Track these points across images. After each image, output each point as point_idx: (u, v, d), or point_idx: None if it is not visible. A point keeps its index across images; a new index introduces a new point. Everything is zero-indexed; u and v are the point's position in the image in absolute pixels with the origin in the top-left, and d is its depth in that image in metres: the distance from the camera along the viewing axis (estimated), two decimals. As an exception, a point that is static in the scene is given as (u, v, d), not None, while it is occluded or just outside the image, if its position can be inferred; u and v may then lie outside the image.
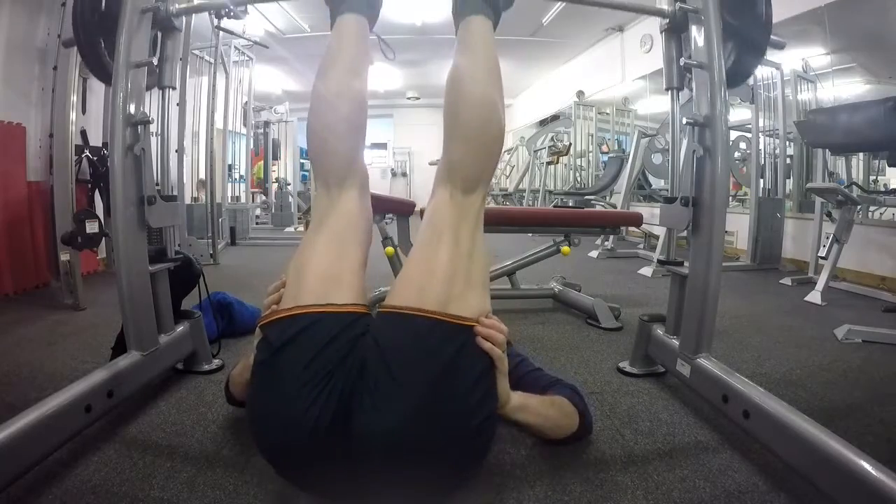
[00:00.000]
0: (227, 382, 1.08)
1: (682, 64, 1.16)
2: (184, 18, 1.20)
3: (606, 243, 4.01)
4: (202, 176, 4.57)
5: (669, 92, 1.29)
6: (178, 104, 2.97)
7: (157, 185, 1.20)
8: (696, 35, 1.12)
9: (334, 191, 0.92)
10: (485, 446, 0.82)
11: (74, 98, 2.11)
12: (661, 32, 1.24)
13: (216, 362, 1.38)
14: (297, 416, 0.72)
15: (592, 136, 6.40)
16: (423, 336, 0.76)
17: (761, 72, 3.52)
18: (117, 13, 1.06)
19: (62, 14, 2.17)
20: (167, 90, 1.24)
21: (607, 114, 6.36)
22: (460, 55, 0.96)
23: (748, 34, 1.16)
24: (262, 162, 6.75)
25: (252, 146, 5.76)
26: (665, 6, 1.20)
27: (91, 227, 1.90)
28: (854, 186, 2.66)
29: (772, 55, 3.57)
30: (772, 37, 1.16)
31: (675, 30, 1.21)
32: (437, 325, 0.76)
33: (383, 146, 10.99)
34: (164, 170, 1.26)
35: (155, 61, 1.16)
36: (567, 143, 6.11)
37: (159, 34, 1.19)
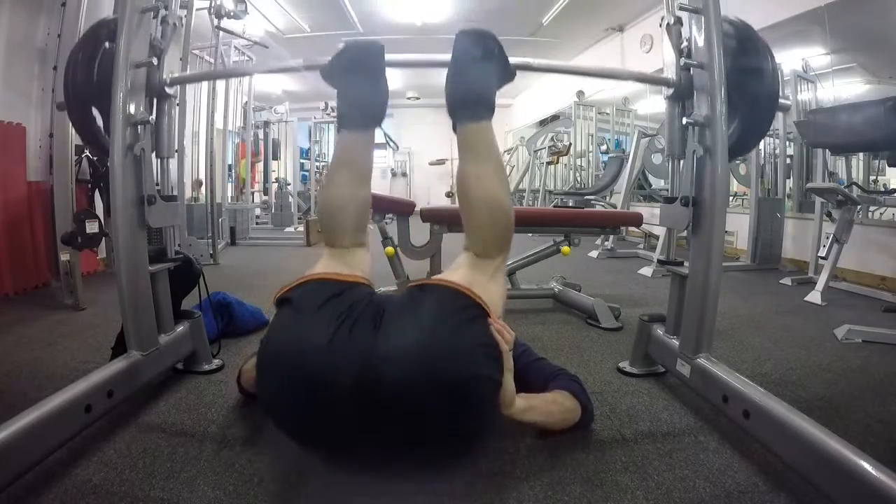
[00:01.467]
0: (238, 375, 1.16)
1: (682, 64, 1.15)
2: (178, 87, 1.19)
3: (606, 243, 4.01)
4: (198, 176, 4.57)
5: (670, 160, 1.26)
6: (178, 104, 2.97)
7: (157, 185, 1.20)
8: (698, 34, 1.12)
9: (338, 251, 1.05)
10: (484, 420, 0.85)
11: (74, 98, 2.10)
12: (665, 98, 1.23)
13: (216, 362, 1.38)
14: (310, 337, 0.80)
15: (592, 136, 6.39)
16: (447, 298, 0.86)
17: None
18: (109, 81, 1.04)
19: (62, 14, 2.17)
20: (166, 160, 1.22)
21: (607, 114, 6.35)
22: (465, 160, 1.04)
23: (754, 115, 1.15)
24: (247, 159, 6.19)
25: (242, 144, 5.67)
26: (671, 75, 1.18)
27: (91, 227, 1.90)
28: (854, 186, 2.66)
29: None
30: (780, 101, 1.15)
31: (679, 96, 1.18)
32: (461, 294, 0.87)
33: (383, 146, 10.96)
34: (164, 170, 1.26)
35: (152, 123, 1.12)
36: (567, 143, 6.11)
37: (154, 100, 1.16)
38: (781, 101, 1.15)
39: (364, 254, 1.08)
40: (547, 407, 0.97)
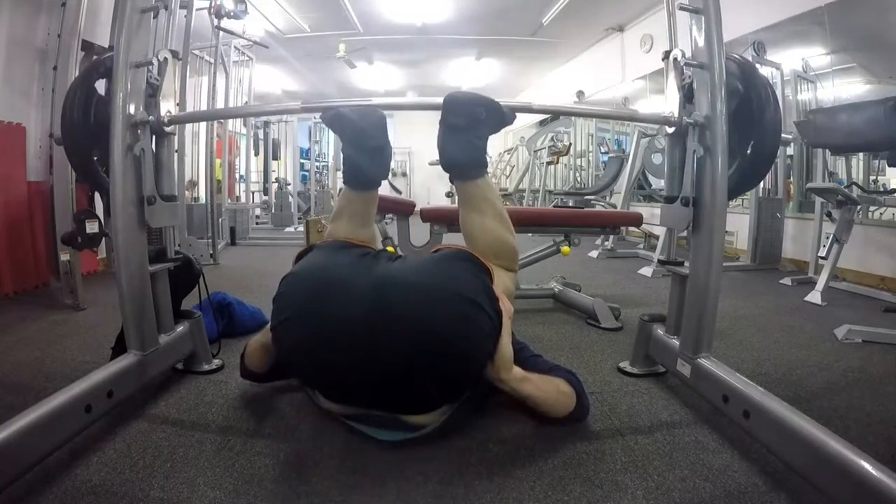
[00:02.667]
0: (242, 354, 1.19)
1: (682, 64, 1.15)
2: (176, 126, 1.20)
3: (606, 243, 4.01)
4: (191, 177, 4.57)
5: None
6: (177, 104, 2.97)
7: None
8: (698, 34, 1.12)
9: None
10: (476, 356, 0.90)
11: (74, 98, 2.10)
12: (665, 136, 1.22)
13: (216, 362, 1.38)
14: (336, 261, 0.96)
15: (592, 136, 6.38)
16: (459, 253, 0.99)
17: (761, 72, 3.52)
18: (107, 122, 1.05)
19: (62, 14, 2.16)
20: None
21: (607, 113, 6.34)
22: (465, 209, 1.16)
23: (755, 158, 1.15)
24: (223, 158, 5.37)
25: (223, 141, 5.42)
26: (674, 115, 1.16)
27: (91, 227, 1.89)
28: (854, 186, 2.66)
29: (772, 55, 3.58)
30: (783, 136, 1.15)
31: (681, 135, 1.16)
32: (472, 255, 0.99)
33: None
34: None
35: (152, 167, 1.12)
36: (567, 143, 6.11)
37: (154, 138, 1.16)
38: (784, 136, 1.15)
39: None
40: (543, 384, 1.01)
